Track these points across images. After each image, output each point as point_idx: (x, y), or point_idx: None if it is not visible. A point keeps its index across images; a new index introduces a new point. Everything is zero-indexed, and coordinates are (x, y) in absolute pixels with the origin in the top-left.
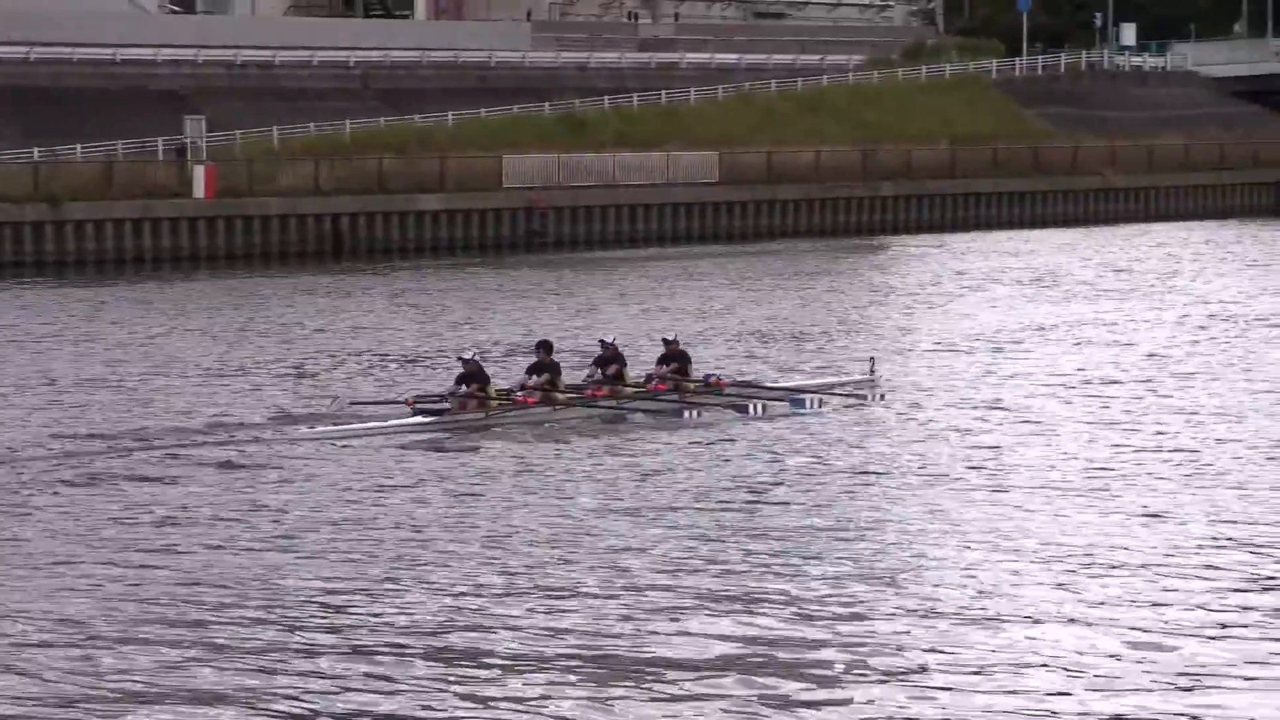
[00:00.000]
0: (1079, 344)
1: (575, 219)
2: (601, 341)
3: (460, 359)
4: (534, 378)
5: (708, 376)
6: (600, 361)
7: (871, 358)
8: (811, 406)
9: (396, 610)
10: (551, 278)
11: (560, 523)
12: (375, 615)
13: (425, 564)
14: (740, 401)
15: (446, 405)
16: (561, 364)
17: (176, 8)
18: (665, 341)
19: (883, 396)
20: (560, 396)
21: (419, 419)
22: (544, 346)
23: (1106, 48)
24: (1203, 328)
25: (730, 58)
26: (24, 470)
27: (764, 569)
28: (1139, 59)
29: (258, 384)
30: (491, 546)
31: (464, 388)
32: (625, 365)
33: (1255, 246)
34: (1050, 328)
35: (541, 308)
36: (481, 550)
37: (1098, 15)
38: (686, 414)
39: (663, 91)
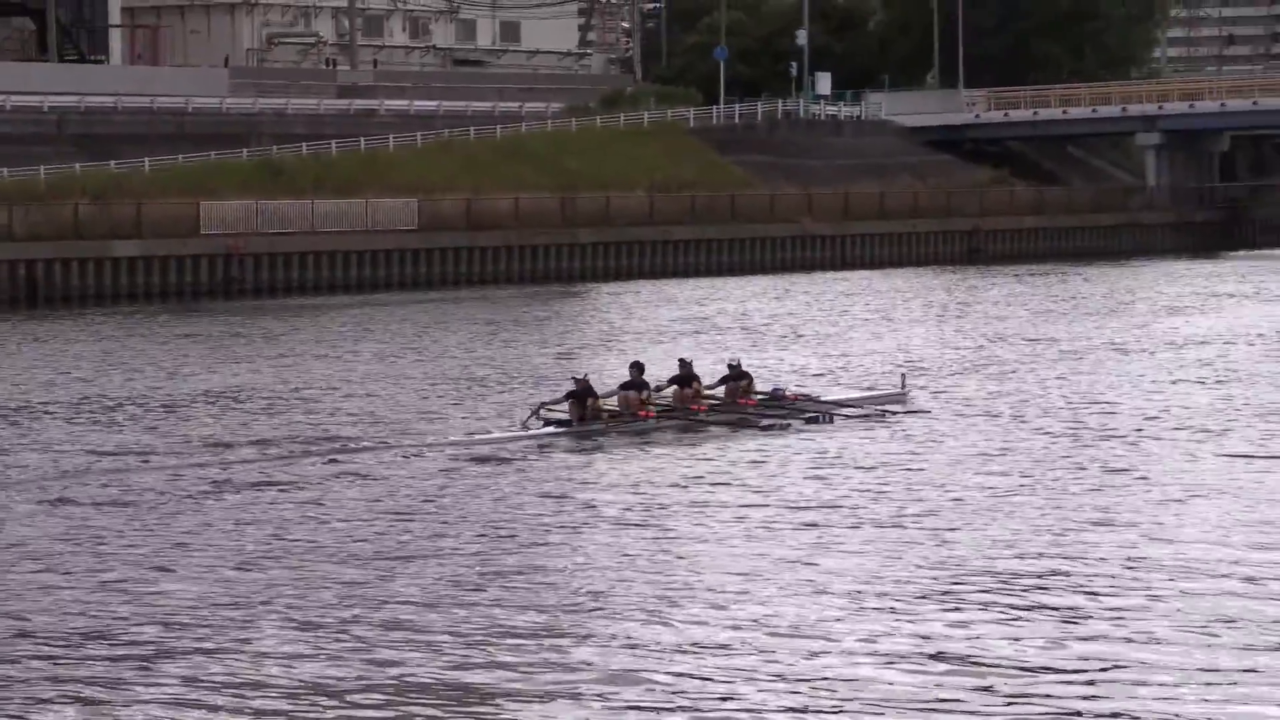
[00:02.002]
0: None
1: (274, 266)
2: (680, 361)
3: (573, 378)
4: (632, 393)
5: (776, 390)
6: (678, 380)
7: (902, 373)
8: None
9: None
10: (248, 325)
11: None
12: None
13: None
14: (813, 412)
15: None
16: None
17: None
18: (730, 366)
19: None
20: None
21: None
22: (637, 367)
23: (802, 97)
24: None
25: (429, 104)
26: None
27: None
28: (834, 108)
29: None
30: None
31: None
32: (701, 383)
33: (944, 294)
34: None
35: (240, 355)
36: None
37: (794, 65)
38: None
39: (361, 138)
